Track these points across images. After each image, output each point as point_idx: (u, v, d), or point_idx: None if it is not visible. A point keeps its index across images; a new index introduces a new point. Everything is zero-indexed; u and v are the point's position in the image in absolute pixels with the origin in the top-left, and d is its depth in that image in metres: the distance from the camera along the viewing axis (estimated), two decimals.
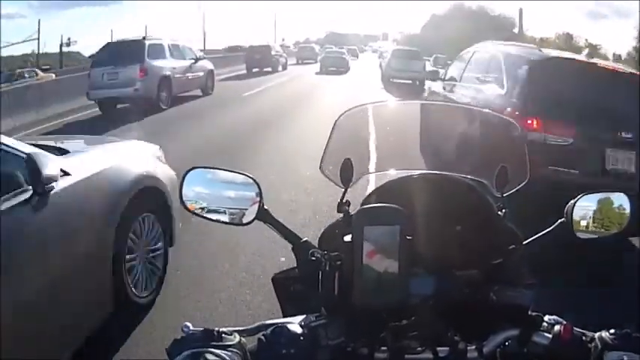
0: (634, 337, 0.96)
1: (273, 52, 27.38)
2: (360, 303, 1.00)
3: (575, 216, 1.18)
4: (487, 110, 1.50)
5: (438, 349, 1.03)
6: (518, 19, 34.36)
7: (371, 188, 1.31)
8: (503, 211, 1.23)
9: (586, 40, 34.35)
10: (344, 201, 1.16)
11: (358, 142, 1.40)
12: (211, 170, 1.20)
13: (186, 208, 1.18)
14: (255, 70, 25.82)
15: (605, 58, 33.78)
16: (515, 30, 38.20)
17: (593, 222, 1.22)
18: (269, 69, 26.44)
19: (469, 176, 1.32)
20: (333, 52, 34.65)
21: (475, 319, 1.10)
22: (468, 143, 1.50)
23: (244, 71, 25.90)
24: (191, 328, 0.91)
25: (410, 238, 1.01)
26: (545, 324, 1.06)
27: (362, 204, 1.18)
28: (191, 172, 1.18)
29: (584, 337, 1.02)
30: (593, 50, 33.72)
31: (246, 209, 1.16)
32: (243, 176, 1.17)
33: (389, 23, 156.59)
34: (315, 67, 31.45)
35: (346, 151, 1.25)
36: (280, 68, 27.92)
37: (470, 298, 1.13)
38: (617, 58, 31.86)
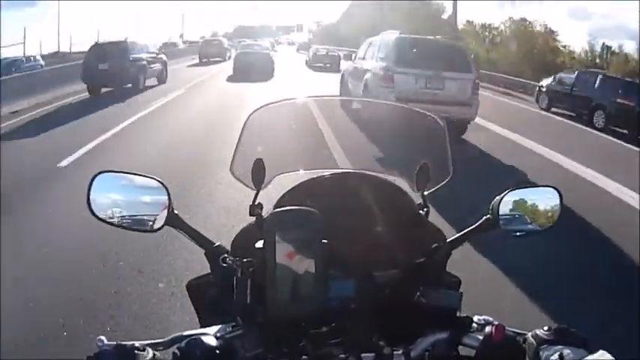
0: (571, 332, 0.98)
1: (131, 57, 16.74)
2: (275, 311, 1.00)
3: (502, 212, 1.21)
4: (407, 106, 1.52)
5: (363, 355, 1.03)
6: (453, 5, 36.24)
7: (286, 190, 1.31)
8: (425, 209, 1.26)
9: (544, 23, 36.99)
10: (256, 203, 1.17)
11: (270, 142, 1.41)
12: (119, 174, 1.19)
13: (94, 214, 1.16)
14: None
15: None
16: (445, 16, 40.35)
17: (521, 217, 1.25)
18: (129, 85, 16.54)
19: (389, 174, 1.35)
20: (250, 46, 28.04)
21: (401, 322, 1.11)
22: (387, 140, 1.57)
23: None
24: (105, 342, 0.91)
25: (326, 241, 1.01)
26: (475, 325, 1.08)
27: (275, 206, 1.18)
28: (99, 176, 1.17)
29: (517, 337, 1.03)
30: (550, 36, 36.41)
31: (157, 214, 1.16)
32: (153, 180, 1.17)
33: (303, 13, 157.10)
34: (225, 69, 25.27)
35: (258, 151, 1.25)
36: (143, 82, 17.17)
37: (393, 300, 1.14)
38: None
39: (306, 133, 1.55)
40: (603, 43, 36.18)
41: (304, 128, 1.54)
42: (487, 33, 39.40)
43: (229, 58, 30.25)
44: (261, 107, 1.34)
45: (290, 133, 1.52)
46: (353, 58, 13.68)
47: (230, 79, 22.30)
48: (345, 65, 17.48)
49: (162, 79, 19.52)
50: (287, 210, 1.05)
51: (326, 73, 25.83)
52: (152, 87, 17.97)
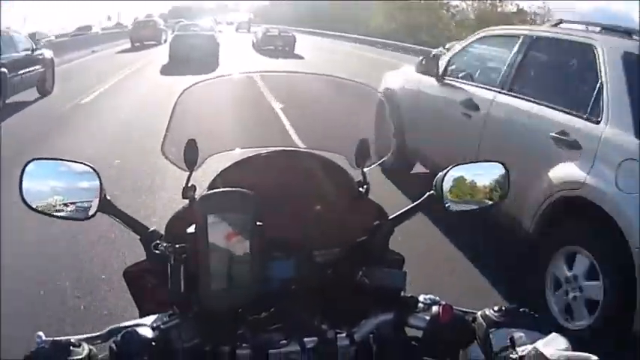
0: (522, 313, 0.99)
1: None
2: (209, 299, 1.00)
3: (446, 188, 1.22)
4: (346, 78, 1.50)
5: (305, 339, 1.03)
6: None
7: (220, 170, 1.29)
8: (365, 186, 1.27)
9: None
10: (189, 186, 1.17)
11: (204, 121, 1.41)
12: (50, 161, 1.19)
13: (26, 204, 1.15)
14: None
15: None
16: None
17: (466, 194, 1.26)
18: None
19: (327, 151, 1.35)
20: (188, 27, 24.38)
21: (344, 303, 1.13)
22: (325, 115, 1.55)
23: None
24: (43, 338, 0.92)
25: (260, 224, 1.02)
26: (421, 305, 1.09)
27: (208, 188, 1.18)
28: (30, 164, 1.16)
29: (466, 317, 1.04)
30: None
31: (90, 201, 1.17)
32: (84, 166, 1.18)
33: None
34: (160, 55, 21.87)
35: (191, 130, 1.25)
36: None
37: (335, 280, 1.15)
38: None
39: (242, 109, 1.56)
40: None
41: (240, 105, 1.55)
42: (445, 11, 39.95)
43: (165, 41, 27.05)
44: (193, 84, 1.33)
45: (225, 110, 1.52)
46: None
47: (165, 70, 18.36)
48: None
49: (44, 88, 12.46)
50: (219, 192, 1.05)
51: (284, 59, 23.03)
52: (27, 103, 11.40)
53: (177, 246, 1.06)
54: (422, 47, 25.70)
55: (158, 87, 13.95)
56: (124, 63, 20.63)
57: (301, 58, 24.54)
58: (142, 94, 13.37)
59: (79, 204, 1.18)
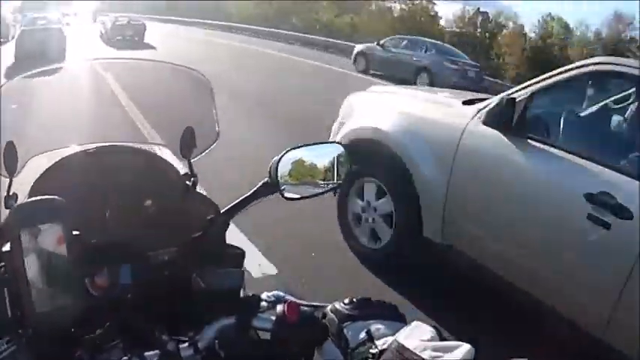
0: (375, 303, 0.97)
1: None
2: (37, 322, 0.91)
3: (283, 172, 1.16)
4: (171, 63, 1.42)
5: (146, 354, 0.96)
6: None
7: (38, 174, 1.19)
8: (192, 179, 1.23)
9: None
10: (11, 194, 1.08)
11: (28, 119, 1.34)
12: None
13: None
14: None
15: None
16: None
17: (305, 176, 1.21)
18: None
19: (151, 143, 1.31)
20: (35, 21, 21.08)
21: (183, 310, 1.06)
22: (150, 102, 1.52)
23: None
24: None
25: (77, 233, 0.94)
26: (264, 304, 1.04)
27: (28, 196, 1.09)
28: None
29: (315, 313, 1.00)
30: None
31: None
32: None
33: None
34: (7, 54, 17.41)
35: (9, 132, 1.15)
36: None
37: (172, 284, 1.10)
38: None
39: (65, 103, 1.47)
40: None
41: (64, 98, 1.46)
42: None
43: (13, 37, 22.77)
44: (12, 80, 1.25)
45: (49, 106, 1.42)
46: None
47: (11, 72, 14.12)
48: None
49: None
50: (28, 202, 0.97)
51: (133, 50, 20.35)
52: None
53: None
54: (291, 32, 26.22)
55: None
56: None
57: (152, 47, 23.12)
58: None
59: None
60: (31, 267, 0.90)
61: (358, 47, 19.70)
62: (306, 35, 28.89)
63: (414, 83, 15.52)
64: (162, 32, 28.47)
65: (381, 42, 18.89)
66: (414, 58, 17.24)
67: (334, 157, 1.25)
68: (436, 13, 37.59)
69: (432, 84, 15.25)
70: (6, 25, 25.71)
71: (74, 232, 0.93)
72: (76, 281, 0.94)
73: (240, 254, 1.25)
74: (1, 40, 21.43)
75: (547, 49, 32.13)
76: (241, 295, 1.08)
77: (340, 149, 1.27)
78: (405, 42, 18.60)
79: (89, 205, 1.03)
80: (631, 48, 28.18)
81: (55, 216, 0.91)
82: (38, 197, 0.95)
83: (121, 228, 1.15)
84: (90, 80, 1.52)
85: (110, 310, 1.02)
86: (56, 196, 0.93)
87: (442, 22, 37.16)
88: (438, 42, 20.35)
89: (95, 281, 1.06)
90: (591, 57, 3.19)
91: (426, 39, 19.49)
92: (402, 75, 16.62)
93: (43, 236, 0.90)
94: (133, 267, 1.09)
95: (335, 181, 1.25)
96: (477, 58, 22.49)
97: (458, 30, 35.66)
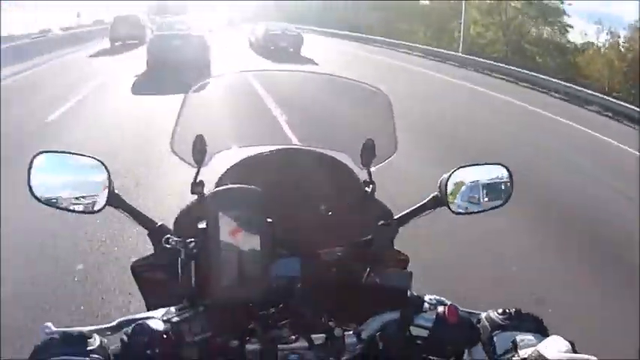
0: (525, 316, 1.07)
1: None
2: (220, 293, 1.06)
3: (450, 189, 1.32)
4: (354, 80, 1.59)
5: (313, 336, 1.11)
6: None
7: (228, 167, 1.37)
8: (371, 186, 1.35)
9: None
10: (197, 181, 1.24)
11: (212, 117, 1.52)
12: (59, 154, 1.27)
13: (34, 197, 1.23)
14: None
15: None
16: None
17: (469, 195, 1.35)
18: None
19: (333, 150, 1.43)
20: (171, 25, 19.28)
21: (351, 302, 1.19)
22: (332, 115, 1.66)
23: None
24: (52, 329, 0.98)
25: (270, 220, 1.08)
26: (426, 305, 1.16)
27: (216, 184, 1.25)
28: (38, 156, 1.24)
29: (471, 318, 1.11)
30: None
31: (98, 195, 1.25)
32: (92, 160, 1.25)
33: None
34: (138, 60, 17.22)
35: (198, 127, 1.33)
36: None
37: (341, 279, 1.22)
38: None
39: (249, 107, 1.66)
40: None
41: (247, 103, 1.65)
42: None
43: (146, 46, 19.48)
44: (200, 82, 1.42)
45: (232, 107, 1.62)
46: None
47: (139, 86, 14.28)
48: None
49: None
50: (229, 188, 1.11)
51: (292, 64, 19.18)
52: None
53: (187, 241, 1.12)
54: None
55: (126, 118, 10.88)
56: (91, 73, 16.33)
57: (313, 62, 21.23)
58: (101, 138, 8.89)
59: (88, 197, 1.25)
60: (224, 245, 1.05)
61: None
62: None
63: None
64: (317, 45, 27.39)
65: None
66: None
67: (498, 178, 1.38)
68: None
69: None
70: (141, 26, 26.38)
71: (267, 220, 1.07)
72: (263, 263, 1.07)
73: (405, 260, 1.38)
74: (136, 42, 21.63)
75: None
76: (408, 294, 1.18)
77: (504, 172, 1.39)
78: None
79: (277, 198, 1.15)
80: None
81: (251, 202, 1.07)
82: (237, 185, 1.10)
83: (299, 224, 1.28)
84: (260, 87, 1.69)
85: (284, 295, 1.15)
86: (254, 186, 1.08)
87: None
88: None
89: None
90: None
91: None
92: None
93: (238, 219, 1.06)
94: (302, 261, 1.21)
95: (498, 201, 1.38)
96: None
97: None
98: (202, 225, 1.10)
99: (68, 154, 1.28)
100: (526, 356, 0.96)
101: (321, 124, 1.74)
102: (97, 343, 0.98)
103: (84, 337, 0.98)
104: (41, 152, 1.26)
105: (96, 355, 0.95)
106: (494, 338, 1.05)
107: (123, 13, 29.62)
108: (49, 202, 1.26)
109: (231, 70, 1.60)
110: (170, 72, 13.96)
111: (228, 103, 1.63)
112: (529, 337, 1.02)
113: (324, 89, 1.70)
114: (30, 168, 1.24)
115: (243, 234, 1.07)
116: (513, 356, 0.99)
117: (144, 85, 14.15)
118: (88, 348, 0.96)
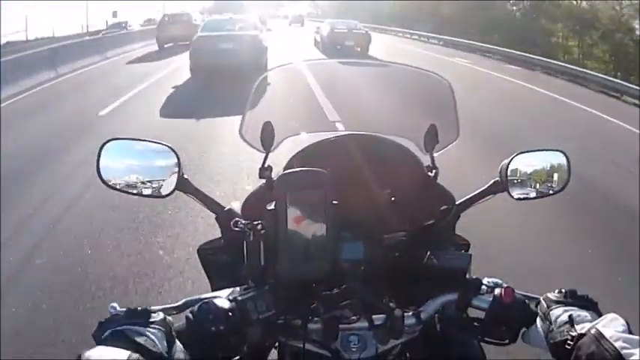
0: (581, 296, 1.12)
1: None
2: (286, 273, 1.14)
3: (510, 175, 1.40)
4: (415, 67, 1.69)
5: (374, 316, 1.18)
6: None
7: (294, 152, 1.45)
8: (434, 171, 1.42)
9: None
10: (266, 166, 1.32)
11: (280, 105, 1.63)
12: (128, 141, 1.37)
13: (104, 182, 1.34)
14: None
15: None
16: None
17: (529, 181, 1.44)
18: None
19: (396, 136, 1.51)
20: (220, 24, 17.45)
21: (410, 284, 1.27)
22: (394, 102, 1.76)
23: None
24: (118, 308, 1.06)
25: (336, 202, 1.14)
26: (484, 287, 1.22)
27: (284, 168, 1.33)
28: (108, 144, 1.34)
29: (527, 300, 1.18)
30: None
31: (165, 180, 1.36)
32: (161, 146, 1.35)
33: None
34: (181, 69, 16.16)
35: (267, 114, 1.44)
36: None
37: (402, 262, 1.30)
38: None
39: (312, 95, 1.77)
40: None
41: (309, 91, 1.76)
42: None
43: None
44: (269, 70, 1.53)
45: (297, 96, 1.74)
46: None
47: (174, 100, 12.66)
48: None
49: None
50: (297, 171, 1.19)
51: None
52: None
53: (255, 223, 1.20)
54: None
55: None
56: (122, 85, 14.88)
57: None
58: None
59: (156, 182, 1.35)
60: (292, 225, 1.14)
61: None
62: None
63: None
64: (383, 43, 27.19)
65: None
66: None
67: (557, 165, 1.47)
68: None
69: None
70: (192, 26, 24.65)
71: (333, 202, 1.15)
72: (328, 244, 1.15)
73: (466, 244, 1.46)
74: (187, 43, 19.42)
75: None
76: (466, 276, 1.25)
77: (563, 158, 1.47)
78: None
79: (342, 183, 1.23)
80: None
81: (318, 185, 1.15)
82: (305, 168, 1.19)
83: (364, 208, 1.38)
84: (327, 77, 1.85)
85: (346, 277, 1.23)
86: (321, 169, 1.15)
87: None
88: None
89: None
90: None
91: None
92: None
93: (307, 201, 1.15)
94: (366, 245, 1.30)
95: (557, 187, 1.46)
96: None
97: None
98: (270, 207, 1.17)
99: (137, 141, 1.37)
100: (583, 331, 1.01)
101: (385, 110, 1.86)
102: (160, 317, 1.05)
103: (148, 313, 1.05)
104: (110, 140, 1.36)
105: (158, 327, 1.02)
106: (551, 313, 1.11)
107: (172, 12, 29.00)
108: (117, 188, 1.37)
109: (294, 60, 1.70)
110: (213, 80, 13.32)
111: (293, 92, 1.76)
112: (585, 314, 1.08)
113: (387, 78, 1.84)
114: (99, 154, 1.35)
115: (310, 216, 1.14)
116: (570, 331, 1.04)
117: (183, 99, 12.77)
118: (151, 320, 1.03)
